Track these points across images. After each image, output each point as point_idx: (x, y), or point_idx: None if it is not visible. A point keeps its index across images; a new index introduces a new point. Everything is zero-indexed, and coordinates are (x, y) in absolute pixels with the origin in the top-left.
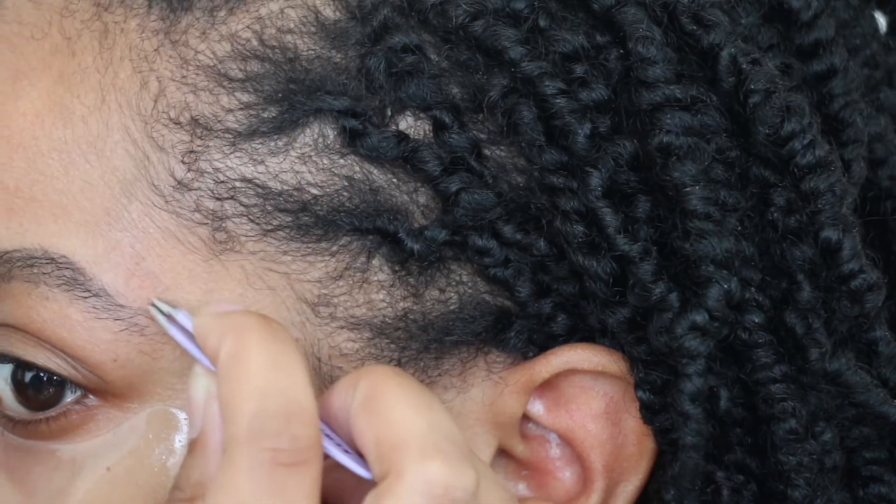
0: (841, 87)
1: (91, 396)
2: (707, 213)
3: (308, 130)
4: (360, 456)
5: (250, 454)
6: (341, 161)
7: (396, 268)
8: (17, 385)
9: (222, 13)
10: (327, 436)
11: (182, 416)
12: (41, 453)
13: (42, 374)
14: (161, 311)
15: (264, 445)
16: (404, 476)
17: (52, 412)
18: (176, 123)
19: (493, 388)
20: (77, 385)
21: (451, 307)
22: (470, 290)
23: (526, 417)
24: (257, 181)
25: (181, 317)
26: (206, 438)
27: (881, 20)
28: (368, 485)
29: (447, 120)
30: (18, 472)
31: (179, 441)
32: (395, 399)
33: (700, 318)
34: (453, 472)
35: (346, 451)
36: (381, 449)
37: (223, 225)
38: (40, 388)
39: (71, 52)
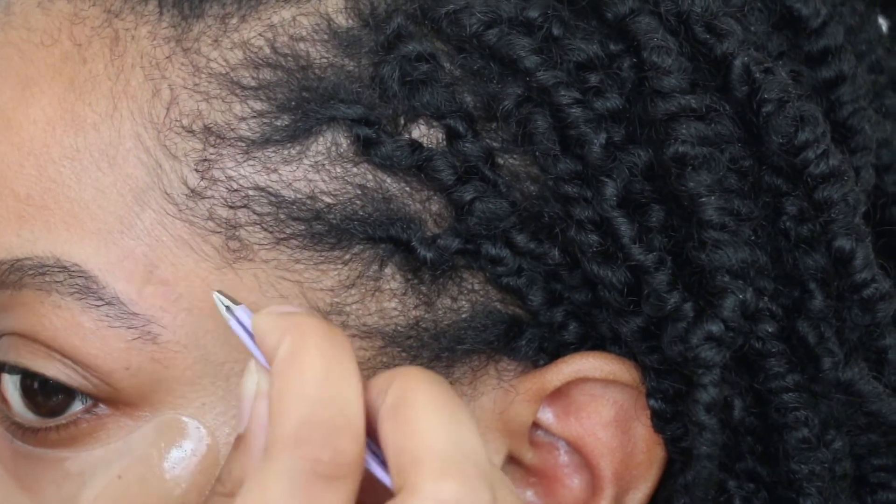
0: (849, 94)
1: (101, 405)
2: (722, 224)
3: (321, 139)
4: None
5: (291, 459)
6: (354, 169)
7: (409, 276)
8: (26, 391)
9: (234, 21)
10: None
11: (192, 424)
12: (50, 461)
13: (51, 381)
14: (222, 304)
15: (306, 454)
16: (418, 493)
17: (62, 419)
18: (189, 131)
19: (504, 396)
20: (87, 395)
21: (463, 315)
22: (482, 299)
23: (535, 424)
24: (270, 189)
25: (240, 312)
26: (251, 436)
27: (882, 23)
28: (386, 492)
29: (461, 128)
30: (27, 480)
31: (190, 449)
32: (422, 409)
33: (716, 328)
34: (468, 493)
35: (382, 464)
36: (400, 460)
37: (236, 233)
38: (49, 395)
39: (82, 59)
